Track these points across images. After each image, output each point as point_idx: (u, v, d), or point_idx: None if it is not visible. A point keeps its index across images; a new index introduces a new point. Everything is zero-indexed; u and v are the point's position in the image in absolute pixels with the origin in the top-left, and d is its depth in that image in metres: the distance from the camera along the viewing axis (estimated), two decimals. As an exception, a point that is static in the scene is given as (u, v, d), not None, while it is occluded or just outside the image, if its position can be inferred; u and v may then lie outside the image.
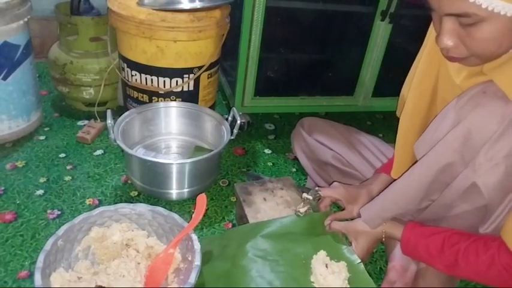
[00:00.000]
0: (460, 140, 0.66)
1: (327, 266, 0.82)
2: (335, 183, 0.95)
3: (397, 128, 0.89)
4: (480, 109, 0.64)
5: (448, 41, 0.63)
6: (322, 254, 0.84)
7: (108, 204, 0.99)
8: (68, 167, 1.16)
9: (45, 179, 1.11)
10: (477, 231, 0.71)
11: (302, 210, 0.92)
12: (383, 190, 0.88)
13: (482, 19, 0.58)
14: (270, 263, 0.84)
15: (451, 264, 0.70)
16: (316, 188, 0.94)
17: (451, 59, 0.67)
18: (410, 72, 0.86)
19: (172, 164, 1.02)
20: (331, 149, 1.10)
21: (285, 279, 0.81)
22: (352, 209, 0.91)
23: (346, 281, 0.81)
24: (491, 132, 0.63)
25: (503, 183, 0.64)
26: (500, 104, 0.63)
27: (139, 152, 1.17)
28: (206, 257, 0.85)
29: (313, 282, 0.81)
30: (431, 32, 0.78)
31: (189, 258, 0.79)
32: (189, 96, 1.22)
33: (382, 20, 1.27)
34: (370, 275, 0.92)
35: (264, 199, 1.03)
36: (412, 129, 0.85)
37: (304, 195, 0.94)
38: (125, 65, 1.20)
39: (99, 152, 1.24)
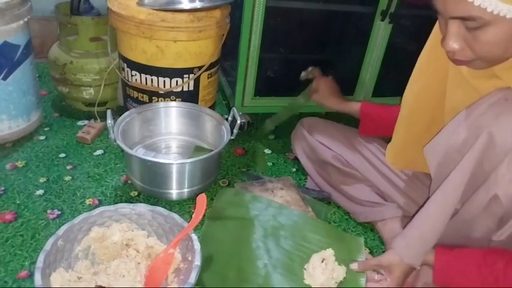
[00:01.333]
0: (481, 148, 0.64)
1: (322, 261, 0.83)
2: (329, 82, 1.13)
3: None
4: (503, 117, 0.63)
5: (454, 44, 0.62)
6: (329, 251, 0.85)
7: (108, 204, 0.99)
8: (68, 167, 1.16)
9: (45, 179, 1.11)
10: (490, 240, 0.70)
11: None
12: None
13: (487, 22, 0.57)
14: (279, 237, 0.90)
15: (491, 285, 0.68)
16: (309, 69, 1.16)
17: (457, 62, 0.66)
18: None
19: (172, 164, 1.02)
20: (332, 149, 1.10)
21: (282, 255, 0.86)
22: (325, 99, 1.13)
23: (335, 282, 0.81)
24: None
25: None
26: None
27: (139, 152, 1.17)
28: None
29: (305, 269, 0.84)
30: (435, 31, 0.77)
31: (189, 258, 0.79)
32: (189, 96, 1.22)
33: (382, 20, 1.27)
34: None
35: (264, 199, 1.03)
36: (416, 123, 0.85)
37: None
38: (125, 65, 1.20)
39: (99, 152, 1.24)
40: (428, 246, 0.75)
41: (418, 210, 0.77)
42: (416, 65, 0.82)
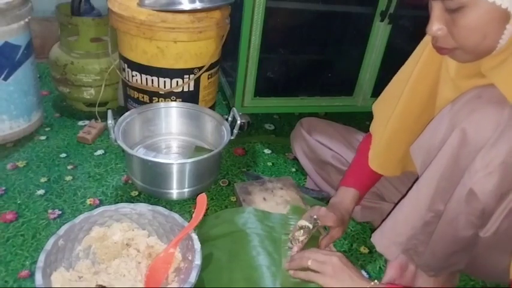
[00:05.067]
0: (455, 145, 0.66)
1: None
2: (322, 209, 0.88)
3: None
4: (475, 114, 0.65)
5: (436, 27, 0.64)
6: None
7: (108, 204, 0.99)
8: (69, 167, 1.16)
9: (46, 179, 1.11)
10: (478, 237, 0.70)
11: (301, 238, 0.84)
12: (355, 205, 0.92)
13: (465, 4, 0.59)
14: (275, 238, 0.90)
15: None
16: (315, 217, 0.86)
17: (440, 50, 0.68)
18: (395, 77, 0.88)
19: (172, 164, 1.03)
20: (331, 149, 1.10)
21: (283, 253, 0.87)
22: (339, 231, 0.89)
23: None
24: (487, 138, 0.63)
25: (499, 189, 0.64)
26: (495, 109, 0.63)
27: (140, 152, 1.17)
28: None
29: None
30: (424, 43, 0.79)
31: (190, 258, 0.79)
32: (190, 97, 1.22)
33: (382, 20, 1.27)
34: (369, 275, 0.93)
35: (264, 199, 1.03)
36: (401, 130, 0.85)
37: (302, 222, 0.85)
38: (126, 65, 1.20)
39: (99, 152, 1.24)
40: (400, 238, 0.78)
41: (397, 203, 0.80)
42: (410, 80, 0.82)
